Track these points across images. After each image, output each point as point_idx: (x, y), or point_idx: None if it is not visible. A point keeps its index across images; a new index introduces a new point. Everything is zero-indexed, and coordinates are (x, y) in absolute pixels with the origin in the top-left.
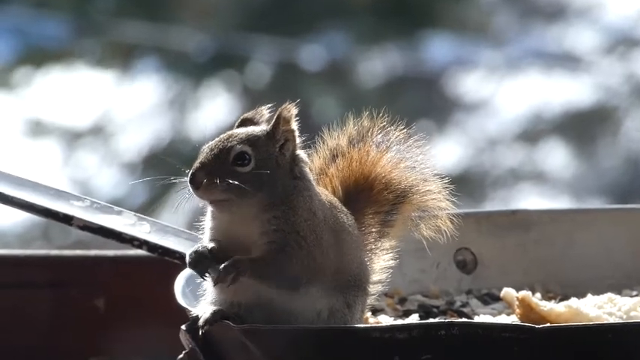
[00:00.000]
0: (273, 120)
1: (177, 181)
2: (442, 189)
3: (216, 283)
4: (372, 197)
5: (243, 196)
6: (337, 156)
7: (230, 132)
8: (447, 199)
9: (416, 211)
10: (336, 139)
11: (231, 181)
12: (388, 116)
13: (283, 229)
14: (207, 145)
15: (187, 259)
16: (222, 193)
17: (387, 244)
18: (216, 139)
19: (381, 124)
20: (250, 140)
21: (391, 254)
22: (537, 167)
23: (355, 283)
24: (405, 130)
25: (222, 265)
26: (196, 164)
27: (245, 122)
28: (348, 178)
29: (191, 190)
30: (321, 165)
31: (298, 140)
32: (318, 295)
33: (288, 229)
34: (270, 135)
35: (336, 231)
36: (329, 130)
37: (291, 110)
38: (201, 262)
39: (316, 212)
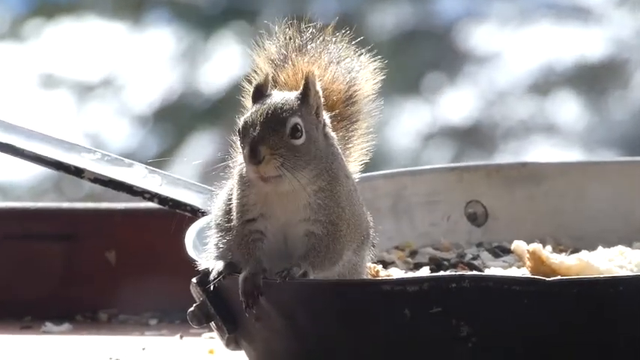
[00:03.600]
0: (303, 86)
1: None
2: (375, 68)
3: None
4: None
5: (296, 170)
6: (277, 71)
7: (274, 100)
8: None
9: (366, 102)
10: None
11: (288, 156)
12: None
13: (326, 203)
14: (254, 115)
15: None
16: (278, 168)
17: (355, 147)
18: (263, 108)
19: (301, 30)
20: (299, 110)
21: (361, 160)
22: (548, 119)
23: (364, 233)
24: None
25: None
26: (253, 137)
27: (260, 89)
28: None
29: (248, 164)
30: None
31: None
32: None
33: (330, 203)
34: (306, 102)
35: (354, 185)
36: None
37: (315, 73)
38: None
39: (348, 174)
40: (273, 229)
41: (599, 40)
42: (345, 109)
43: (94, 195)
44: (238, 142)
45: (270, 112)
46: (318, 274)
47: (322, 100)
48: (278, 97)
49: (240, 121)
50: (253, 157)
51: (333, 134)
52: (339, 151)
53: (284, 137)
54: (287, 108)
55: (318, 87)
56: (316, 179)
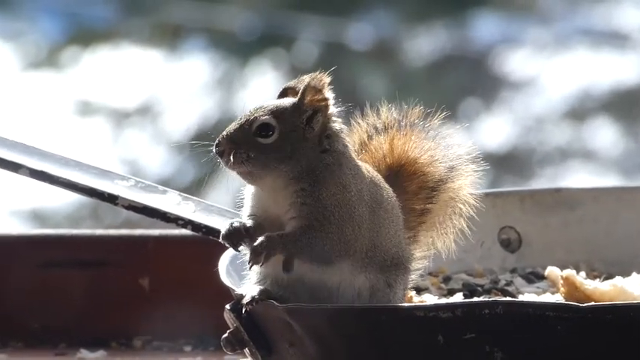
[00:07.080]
0: (300, 91)
1: (202, 148)
2: (474, 177)
3: (250, 265)
4: (410, 179)
5: (263, 168)
6: (372, 137)
7: (261, 103)
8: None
9: (454, 196)
10: (372, 119)
11: (250, 153)
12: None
13: (309, 202)
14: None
15: (222, 231)
16: (242, 164)
17: (430, 221)
18: (249, 110)
19: (418, 110)
20: (276, 112)
21: (435, 231)
22: (585, 145)
23: (394, 262)
24: (442, 116)
25: (253, 245)
26: (222, 133)
27: (287, 92)
28: (382, 159)
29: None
30: (360, 140)
31: (332, 110)
32: (352, 272)
33: (314, 203)
34: (297, 106)
35: (372, 207)
36: (370, 108)
37: (323, 79)
38: (235, 235)
39: (347, 186)
40: (270, 225)
41: (635, 65)
42: (436, 186)
43: (130, 222)
44: None
45: (248, 112)
46: (295, 257)
47: (330, 107)
48: (270, 101)
49: None
50: (215, 149)
51: (339, 143)
52: (342, 159)
53: (248, 135)
54: (264, 108)
55: (329, 94)
56: (297, 181)
